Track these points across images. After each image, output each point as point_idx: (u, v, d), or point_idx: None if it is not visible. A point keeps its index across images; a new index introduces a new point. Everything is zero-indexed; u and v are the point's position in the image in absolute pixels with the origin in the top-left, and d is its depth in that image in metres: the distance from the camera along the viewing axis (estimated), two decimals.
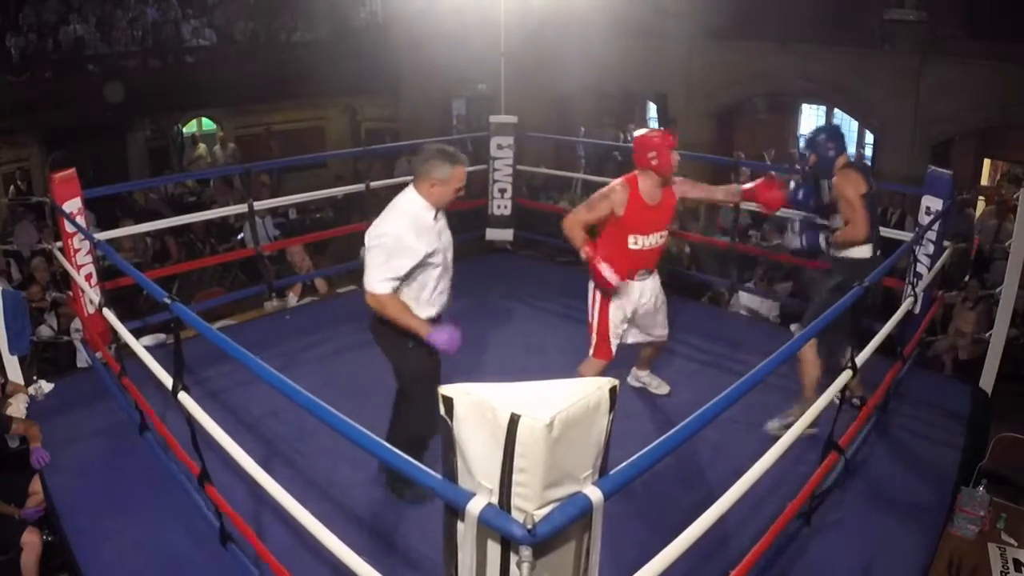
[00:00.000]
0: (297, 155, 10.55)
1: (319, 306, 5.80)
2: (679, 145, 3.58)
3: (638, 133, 3.65)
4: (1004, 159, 10.39)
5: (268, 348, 4.55)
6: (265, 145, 13.08)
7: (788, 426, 3.35)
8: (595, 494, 1.54)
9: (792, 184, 3.92)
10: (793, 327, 5.50)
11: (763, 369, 2.30)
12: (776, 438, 2.43)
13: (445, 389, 1.60)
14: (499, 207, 6.51)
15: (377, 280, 2.92)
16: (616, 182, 3.62)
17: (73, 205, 4.37)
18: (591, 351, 3.79)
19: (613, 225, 3.59)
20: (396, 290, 2.95)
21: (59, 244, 4.45)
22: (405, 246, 2.90)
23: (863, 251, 3.67)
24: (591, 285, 3.72)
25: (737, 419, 3.65)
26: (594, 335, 3.77)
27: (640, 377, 4.31)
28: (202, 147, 13.63)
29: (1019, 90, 8.14)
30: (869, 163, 10.63)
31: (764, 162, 10.94)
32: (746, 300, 5.88)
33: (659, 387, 4.29)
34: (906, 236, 5.02)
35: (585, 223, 3.58)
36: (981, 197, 9.82)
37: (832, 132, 3.85)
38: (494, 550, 1.56)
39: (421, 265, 2.96)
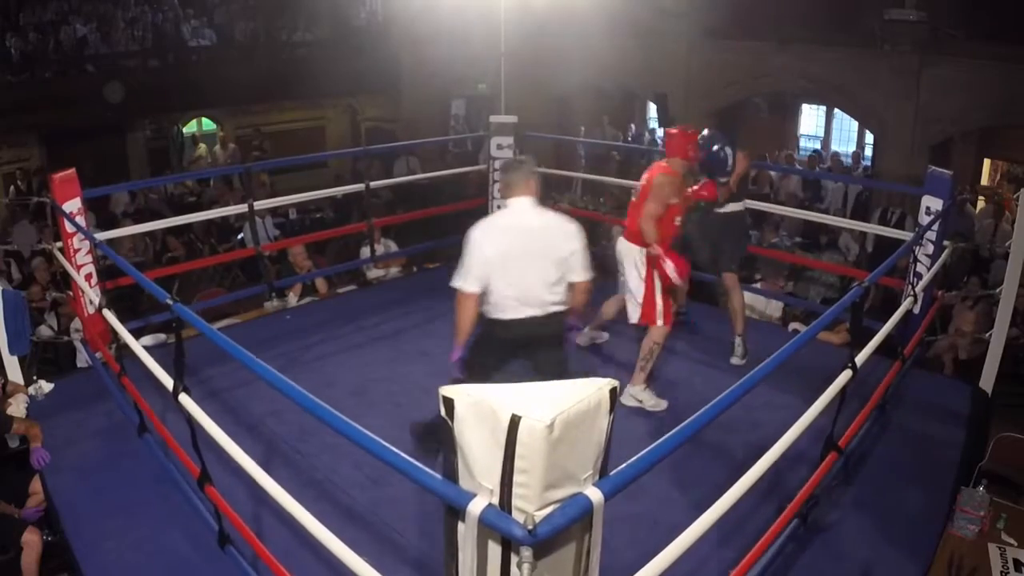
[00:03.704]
0: (297, 155, 10.55)
1: (319, 306, 5.80)
2: None
3: (674, 130, 4.18)
4: (1004, 159, 10.40)
5: (268, 348, 4.55)
6: (255, 147, 13.03)
7: (741, 351, 4.67)
8: (595, 495, 1.54)
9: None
10: (793, 326, 5.51)
11: (763, 369, 2.30)
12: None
13: (445, 390, 1.60)
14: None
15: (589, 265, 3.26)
16: (662, 174, 3.98)
17: (73, 205, 4.37)
18: (660, 320, 4.03)
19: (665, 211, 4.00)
20: None
21: (59, 244, 4.46)
22: None
23: (738, 207, 4.72)
24: (640, 267, 4.03)
25: (737, 419, 3.65)
26: (659, 307, 4.02)
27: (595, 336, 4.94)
28: (202, 147, 13.63)
29: (1019, 90, 8.13)
30: (869, 162, 10.71)
31: (764, 162, 10.99)
32: (751, 300, 5.84)
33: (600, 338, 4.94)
34: (906, 236, 5.02)
35: (659, 218, 3.93)
36: (981, 197, 9.83)
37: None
38: (495, 550, 1.57)
39: None
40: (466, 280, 3.12)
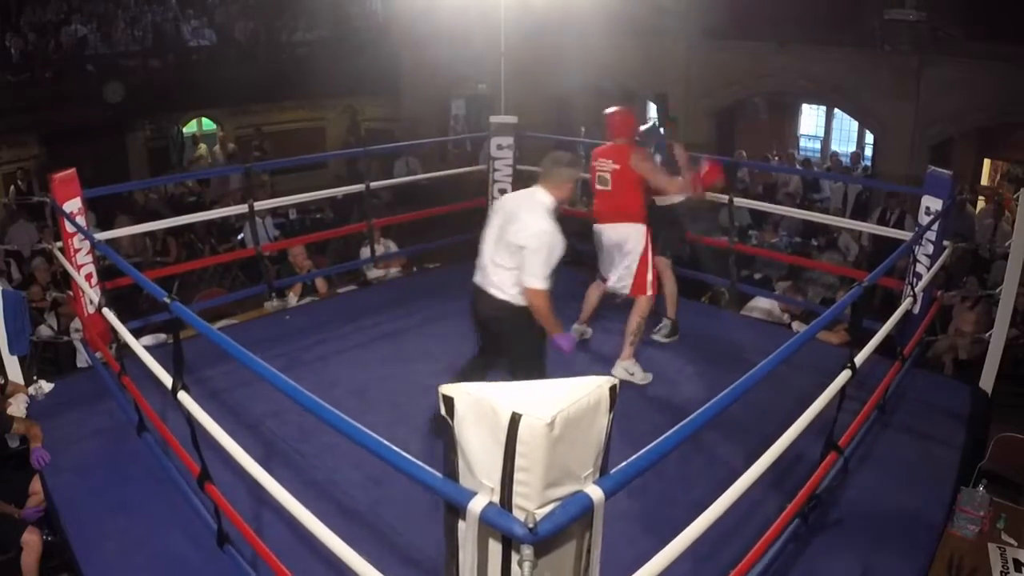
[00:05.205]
0: (297, 155, 10.55)
1: (319, 306, 5.80)
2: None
3: (618, 110, 4.48)
4: (1004, 159, 10.40)
5: (268, 348, 4.55)
6: (255, 147, 12.97)
7: (667, 331, 4.92)
8: (596, 493, 1.54)
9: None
10: (794, 325, 5.51)
11: (763, 368, 2.30)
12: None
13: (445, 389, 1.60)
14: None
15: (542, 276, 3.22)
16: (636, 155, 4.30)
17: (73, 205, 4.37)
18: (650, 291, 4.35)
19: (645, 184, 4.33)
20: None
21: (59, 244, 4.45)
22: (558, 242, 3.25)
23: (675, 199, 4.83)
24: (640, 243, 4.29)
25: (737, 418, 3.65)
26: (650, 279, 4.33)
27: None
28: (202, 147, 13.62)
29: (1019, 90, 8.13)
30: (868, 163, 10.72)
31: (766, 162, 10.99)
32: (767, 304, 5.82)
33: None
34: (906, 236, 5.02)
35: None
36: (981, 197, 9.83)
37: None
38: (495, 549, 1.57)
39: None
40: None
